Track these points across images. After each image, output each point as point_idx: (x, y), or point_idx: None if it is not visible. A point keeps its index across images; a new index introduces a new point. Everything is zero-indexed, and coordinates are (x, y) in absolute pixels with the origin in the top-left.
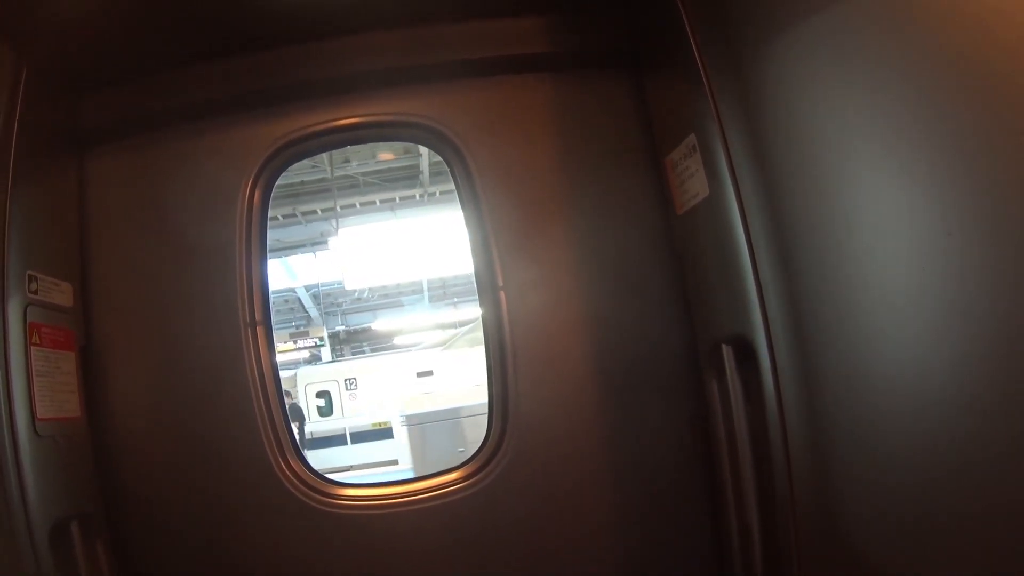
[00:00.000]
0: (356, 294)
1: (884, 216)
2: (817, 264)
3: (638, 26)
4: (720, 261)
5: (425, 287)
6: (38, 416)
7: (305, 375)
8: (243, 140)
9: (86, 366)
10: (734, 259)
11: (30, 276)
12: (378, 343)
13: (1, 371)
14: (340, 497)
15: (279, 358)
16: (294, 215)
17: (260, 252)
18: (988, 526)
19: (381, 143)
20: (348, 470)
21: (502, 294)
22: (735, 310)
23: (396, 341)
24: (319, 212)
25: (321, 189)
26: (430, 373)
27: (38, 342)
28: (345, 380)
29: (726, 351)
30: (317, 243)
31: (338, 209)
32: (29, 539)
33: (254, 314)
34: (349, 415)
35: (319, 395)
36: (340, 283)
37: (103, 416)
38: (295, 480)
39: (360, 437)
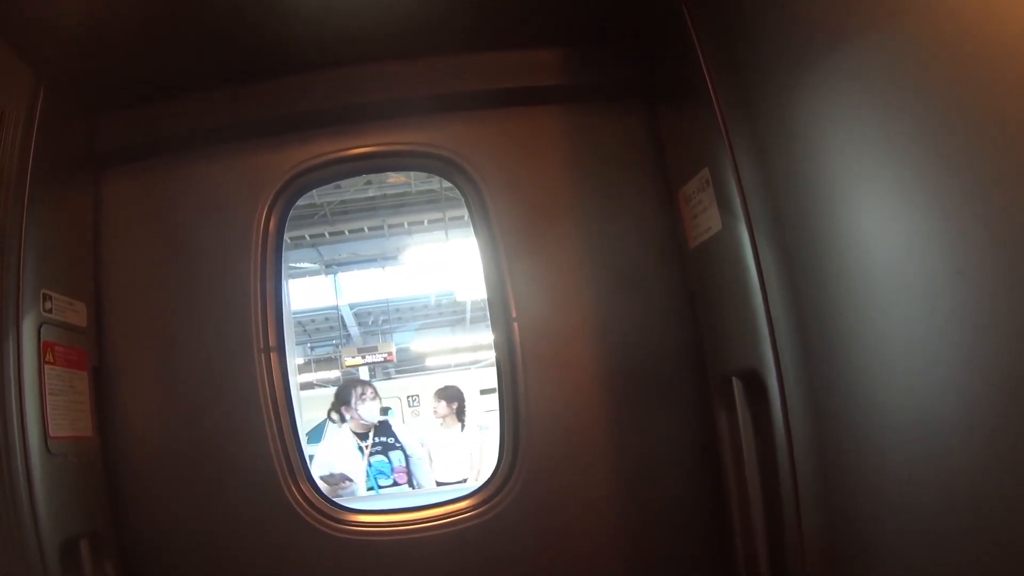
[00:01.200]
0: (399, 313)
1: (895, 254)
2: (828, 301)
3: (653, 60)
4: (731, 295)
5: (468, 308)
6: (50, 434)
7: None
8: (259, 166)
9: (99, 386)
10: (745, 294)
11: (44, 295)
12: (403, 366)
13: (15, 389)
14: (351, 523)
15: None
16: (380, 227)
17: (275, 277)
18: (999, 565)
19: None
20: None
21: (515, 325)
22: (746, 344)
23: (428, 363)
24: (405, 225)
25: (399, 204)
26: (494, 391)
27: (52, 361)
28: (408, 396)
29: (736, 384)
30: (387, 258)
31: (424, 223)
32: (39, 556)
33: (268, 340)
34: None
35: (382, 411)
36: (384, 301)
37: (115, 436)
38: (306, 505)
39: None
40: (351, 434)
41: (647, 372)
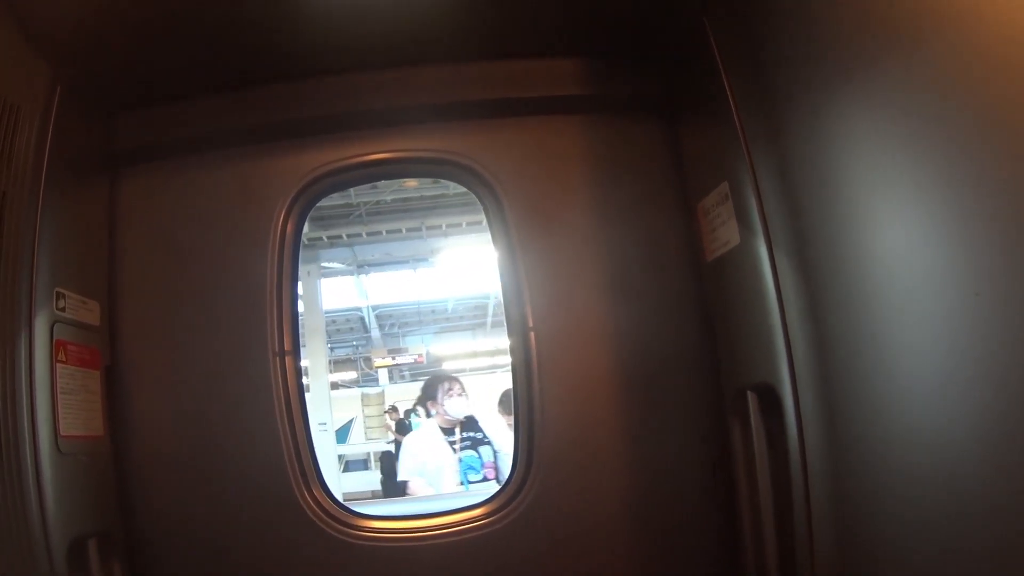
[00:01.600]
0: (419, 316)
1: (914, 273)
2: (846, 318)
3: (673, 73)
4: (748, 310)
5: (490, 311)
6: (61, 433)
7: (393, 394)
8: (277, 170)
9: (111, 386)
10: (762, 309)
11: (58, 293)
12: (420, 368)
13: (26, 387)
14: (363, 528)
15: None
16: (418, 228)
17: (291, 282)
18: None
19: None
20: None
21: (532, 335)
22: (761, 358)
23: (444, 366)
24: (443, 227)
25: (434, 206)
26: None
27: (64, 359)
28: None
29: (751, 398)
30: (419, 259)
31: (462, 225)
32: (47, 555)
33: (283, 344)
34: None
35: (405, 413)
36: (415, 303)
37: (126, 436)
38: (318, 510)
39: None
40: (438, 429)
41: (662, 383)
